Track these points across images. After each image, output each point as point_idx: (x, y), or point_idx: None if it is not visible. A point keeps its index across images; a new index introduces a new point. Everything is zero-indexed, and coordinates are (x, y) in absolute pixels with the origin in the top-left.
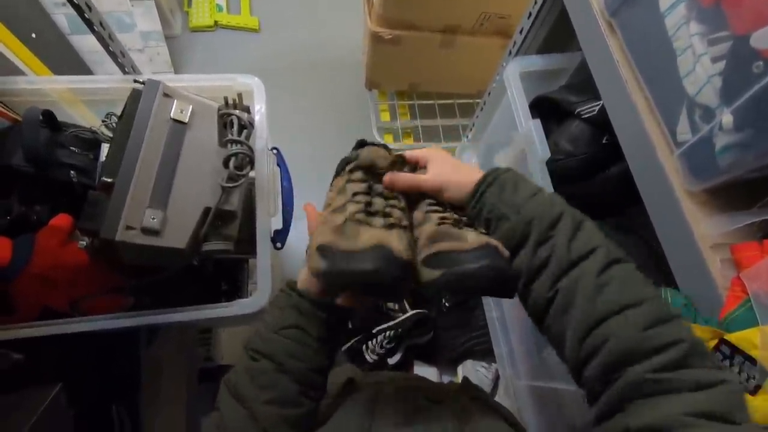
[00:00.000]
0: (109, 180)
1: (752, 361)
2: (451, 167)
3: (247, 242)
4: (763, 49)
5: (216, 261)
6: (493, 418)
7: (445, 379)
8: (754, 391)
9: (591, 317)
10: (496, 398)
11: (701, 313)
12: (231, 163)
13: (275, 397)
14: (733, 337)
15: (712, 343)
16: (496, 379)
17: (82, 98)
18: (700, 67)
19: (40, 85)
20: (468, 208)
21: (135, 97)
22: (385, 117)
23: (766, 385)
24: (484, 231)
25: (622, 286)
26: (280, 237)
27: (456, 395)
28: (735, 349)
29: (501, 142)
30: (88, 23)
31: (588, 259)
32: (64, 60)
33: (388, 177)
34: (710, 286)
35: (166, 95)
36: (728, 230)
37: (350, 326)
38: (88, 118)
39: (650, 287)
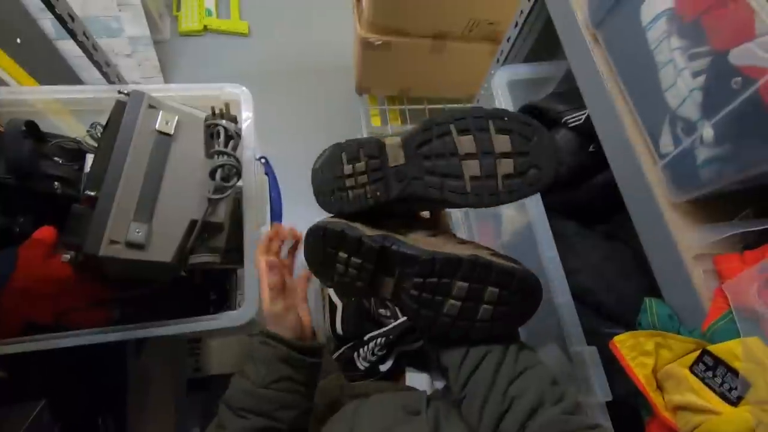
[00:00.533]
0: (93, 194)
1: (735, 372)
2: None
3: (235, 252)
4: (741, 65)
5: (204, 271)
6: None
7: (437, 384)
8: (736, 402)
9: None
10: None
11: (685, 324)
12: (217, 175)
13: None
14: (716, 349)
15: (696, 353)
16: None
17: (67, 108)
18: (681, 81)
19: (24, 95)
20: None
21: (119, 108)
22: (376, 122)
23: (747, 396)
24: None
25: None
26: None
27: (435, 403)
28: (718, 361)
29: None
30: (71, 33)
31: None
32: (51, 65)
33: None
34: (693, 296)
35: (151, 107)
36: (711, 241)
37: (342, 333)
38: (75, 128)
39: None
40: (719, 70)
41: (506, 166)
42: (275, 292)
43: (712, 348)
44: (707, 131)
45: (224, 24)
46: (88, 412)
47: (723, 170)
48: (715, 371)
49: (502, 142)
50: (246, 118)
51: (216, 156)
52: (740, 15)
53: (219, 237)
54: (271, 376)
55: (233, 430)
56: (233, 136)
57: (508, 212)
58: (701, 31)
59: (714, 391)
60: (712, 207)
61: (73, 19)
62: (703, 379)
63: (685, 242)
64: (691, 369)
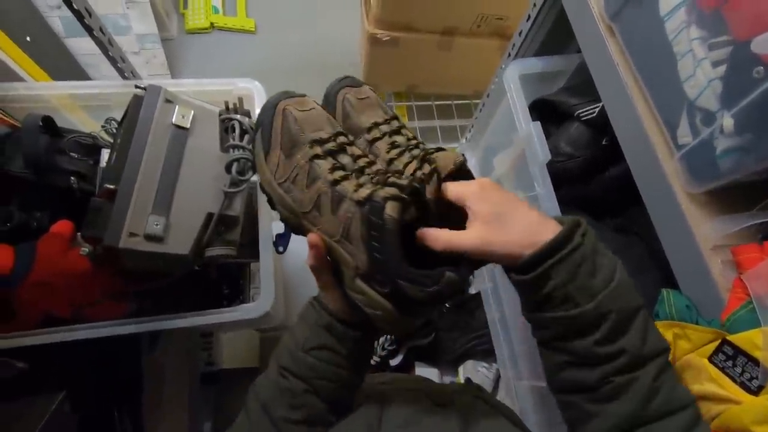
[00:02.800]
0: (112, 187)
1: (755, 362)
2: (500, 221)
3: (249, 246)
4: (763, 54)
5: (218, 265)
6: (496, 418)
7: (446, 379)
8: (758, 391)
9: (636, 417)
10: (497, 398)
11: (703, 315)
12: (233, 169)
13: (305, 417)
14: (736, 338)
15: (715, 344)
16: (498, 379)
17: (81, 104)
18: (700, 72)
19: (40, 91)
20: (522, 276)
21: (136, 103)
22: None
23: None
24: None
25: (670, 393)
26: (282, 241)
27: (459, 396)
28: (738, 350)
29: (500, 144)
30: (88, 29)
31: (651, 362)
32: (60, 63)
33: (420, 234)
34: (712, 287)
35: (167, 101)
36: (729, 232)
37: None
38: (88, 124)
39: (687, 391)
40: (740, 59)
41: None
42: (316, 267)
43: (731, 338)
44: (727, 121)
45: (231, 21)
46: (105, 405)
47: (743, 160)
48: (735, 361)
49: None
50: None
51: (231, 150)
52: (762, 4)
53: (234, 230)
54: (312, 341)
55: (274, 388)
56: (248, 131)
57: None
58: (722, 21)
59: (734, 380)
60: (729, 197)
61: (90, 14)
62: (722, 369)
63: (702, 233)
64: (711, 359)
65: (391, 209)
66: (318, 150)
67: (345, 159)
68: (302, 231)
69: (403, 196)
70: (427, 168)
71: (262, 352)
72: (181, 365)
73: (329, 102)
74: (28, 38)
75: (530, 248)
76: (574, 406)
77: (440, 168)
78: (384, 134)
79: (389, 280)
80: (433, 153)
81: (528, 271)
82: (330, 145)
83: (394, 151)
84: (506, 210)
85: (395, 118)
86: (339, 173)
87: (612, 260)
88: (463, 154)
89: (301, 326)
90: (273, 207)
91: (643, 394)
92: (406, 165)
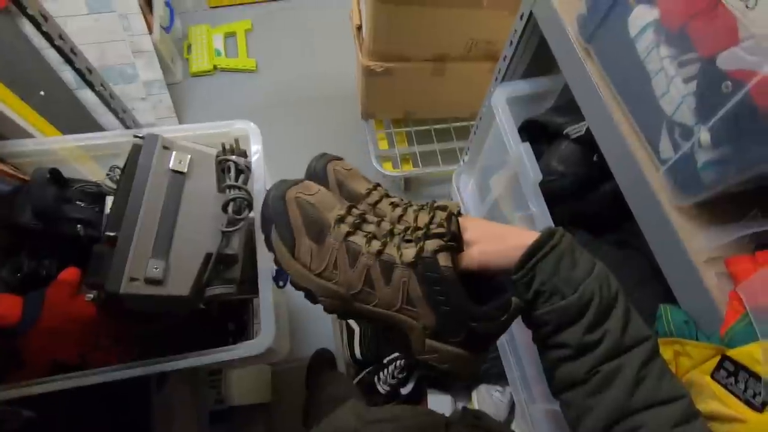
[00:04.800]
0: (113, 234)
1: (756, 377)
2: (490, 235)
3: (249, 282)
4: (729, 69)
5: (221, 302)
6: None
7: (460, 405)
8: (762, 408)
9: (624, 407)
10: (513, 423)
11: (702, 329)
12: (230, 208)
13: None
14: (736, 353)
15: (716, 360)
16: (512, 403)
17: (88, 153)
18: (673, 88)
19: (48, 145)
20: (514, 277)
21: (135, 151)
22: (383, 145)
23: None
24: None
25: (658, 382)
26: (282, 276)
27: (456, 427)
28: (739, 366)
29: (495, 165)
30: (90, 85)
31: (635, 349)
32: (72, 113)
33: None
34: (708, 301)
35: (165, 147)
36: (721, 244)
37: (360, 357)
38: (96, 172)
39: (678, 384)
40: (709, 75)
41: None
42: None
43: (731, 353)
44: (704, 135)
45: (233, 62)
46: None
47: (723, 172)
48: (737, 377)
49: None
50: (255, 151)
51: (228, 190)
52: (723, 22)
53: (234, 268)
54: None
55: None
56: (243, 170)
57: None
58: (687, 39)
59: (738, 397)
60: (719, 209)
61: (90, 72)
62: (725, 386)
63: (694, 246)
64: (713, 376)
65: (444, 260)
66: (346, 227)
67: (370, 227)
68: (352, 314)
69: (450, 243)
70: (441, 214)
71: (274, 386)
72: (190, 404)
73: (318, 176)
74: (42, 93)
75: (517, 249)
76: (572, 404)
77: (452, 211)
78: (382, 196)
79: (462, 327)
80: (435, 203)
81: (519, 271)
82: (352, 219)
83: (398, 209)
84: (498, 230)
85: (379, 184)
86: (376, 243)
87: (589, 256)
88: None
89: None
90: (314, 301)
91: (627, 383)
92: (416, 218)
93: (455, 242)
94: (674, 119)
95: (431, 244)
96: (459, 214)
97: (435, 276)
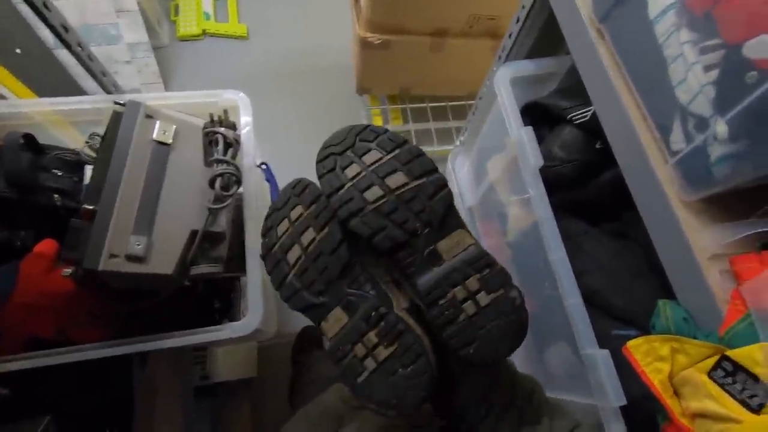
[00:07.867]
0: (91, 207)
1: (755, 378)
2: None
3: (237, 260)
4: (756, 58)
5: (207, 280)
6: None
7: None
8: (758, 409)
9: None
10: None
11: (701, 327)
12: (217, 184)
13: None
14: (735, 354)
15: (714, 359)
16: None
17: (68, 119)
18: (692, 76)
19: (22, 108)
20: None
21: (116, 119)
22: (378, 122)
23: None
24: None
25: None
26: None
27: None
28: (737, 366)
29: (493, 148)
30: (66, 44)
31: None
32: (51, 75)
33: None
34: (709, 299)
35: (148, 116)
36: (727, 241)
37: None
38: (76, 139)
39: None
40: (733, 63)
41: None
42: None
43: (731, 353)
44: (721, 127)
45: (223, 27)
46: (95, 425)
47: (738, 167)
48: (734, 377)
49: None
50: (245, 124)
51: (215, 164)
52: (754, 6)
53: (220, 246)
54: None
55: None
56: (232, 144)
57: (514, 211)
58: (712, 24)
59: (734, 398)
60: (726, 205)
61: (66, 30)
62: (722, 386)
63: (699, 242)
64: (710, 375)
65: None
66: None
67: None
68: None
69: None
70: None
71: (260, 361)
72: (174, 380)
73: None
74: (18, 50)
75: None
76: None
77: None
78: None
79: None
80: None
81: None
82: None
83: None
84: None
85: None
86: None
87: None
88: None
89: None
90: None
91: None
92: None
93: None
94: (690, 109)
95: None
96: None
97: None
